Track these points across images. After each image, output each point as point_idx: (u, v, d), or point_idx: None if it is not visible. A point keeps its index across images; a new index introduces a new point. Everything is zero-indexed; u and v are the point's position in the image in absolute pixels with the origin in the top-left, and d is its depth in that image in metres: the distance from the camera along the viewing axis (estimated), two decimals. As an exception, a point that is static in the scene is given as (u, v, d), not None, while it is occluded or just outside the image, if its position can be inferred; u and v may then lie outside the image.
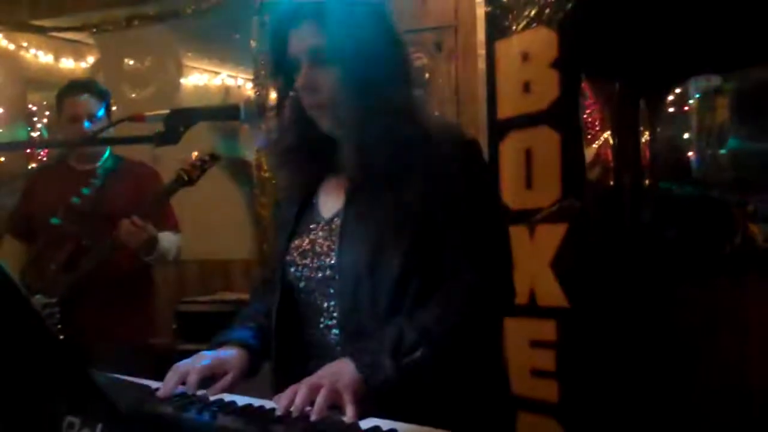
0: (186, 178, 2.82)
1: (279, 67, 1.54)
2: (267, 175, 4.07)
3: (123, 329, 2.94)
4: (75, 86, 3.04)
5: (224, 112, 1.54)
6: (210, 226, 4.48)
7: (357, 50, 1.43)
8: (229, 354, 1.52)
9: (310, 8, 1.46)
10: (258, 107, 1.49)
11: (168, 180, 2.92)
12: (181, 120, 1.43)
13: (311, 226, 1.56)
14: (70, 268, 2.90)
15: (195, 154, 2.89)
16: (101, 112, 2.98)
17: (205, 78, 5.86)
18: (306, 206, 1.60)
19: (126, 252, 2.89)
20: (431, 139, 1.45)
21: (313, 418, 1.20)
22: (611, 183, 3.01)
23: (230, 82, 5.89)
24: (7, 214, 3.30)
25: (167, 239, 3.02)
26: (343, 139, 1.51)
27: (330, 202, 1.56)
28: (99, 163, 3.06)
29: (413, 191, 1.42)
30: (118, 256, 2.90)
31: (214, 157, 2.87)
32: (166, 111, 1.44)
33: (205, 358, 1.48)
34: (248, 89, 5.44)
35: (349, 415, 1.21)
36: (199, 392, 1.41)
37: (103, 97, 3.01)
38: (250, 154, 4.49)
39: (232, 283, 4.78)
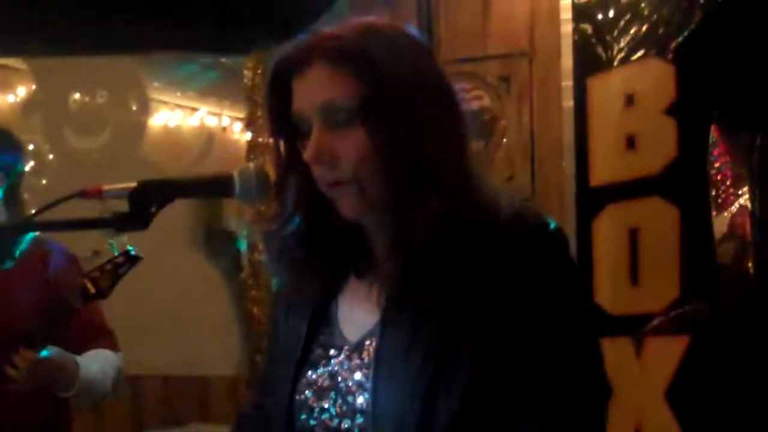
0: (93, 291, 2.75)
1: (281, 127, 1.54)
2: (262, 257, 4.01)
3: None
4: None
5: (211, 186, 1.54)
6: (181, 327, 4.47)
7: (393, 102, 1.43)
8: None
9: (321, 44, 1.46)
10: (259, 177, 1.47)
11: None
12: (153, 196, 1.43)
13: (331, 352, 1.54)
14: None
15: (95, 251, 2.83)
16: None
17: (179, 116, 5.90)
18: (320, 319, 1.58)
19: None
20: (497, 226, 1.44)
21: None
22: (750, 266, 2.95)
23: (212, 121, 5.92)
24: None
25: (94, 367, 2.87)
26: (375, 229, 1.51)
27: (357, 317, 1.54)
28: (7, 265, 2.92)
29: (472, 303, 1.41)
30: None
31: (131, 258, 2.76)
32: (132, 184, 1.44)
33: None
34: (237, 132, 5.49)
35: None
36: None
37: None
38: (237, 225, 4.51)
39: (210, 409, 4.74)
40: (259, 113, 4.29)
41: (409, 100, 1.44)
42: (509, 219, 1.45)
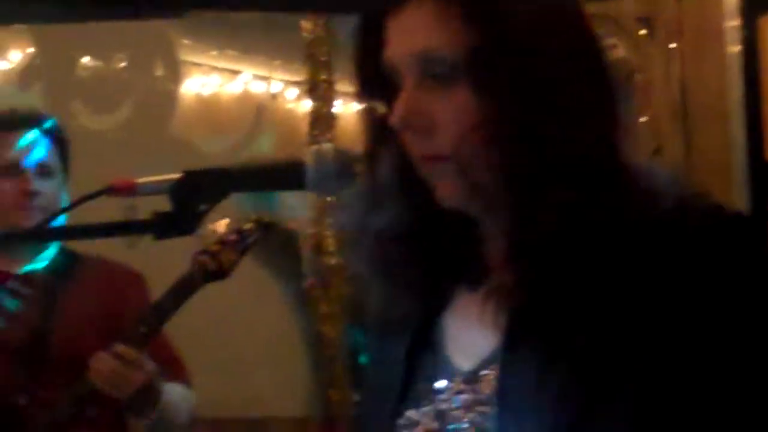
0: (214, 267, 2.86)
1: (372, 85, 1.56)
2: (335, 261, 4.10)
3: None
4: None
5: (277, 177, 1.54)
6: (228, 354, 4.53)
7: (514, 56, 1.41)
8: None
9: None
10: (339, 162, 1.48)
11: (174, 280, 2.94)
12: (203, 191, 1.45)
13: (437, 385, 1.54)
14: None
15: (224, 222, 2.90)
16: (46, 156, 3.08)
17: (216, 80, 5.92)
18: (422, 343, 1.59)
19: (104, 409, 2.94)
20: (662, 223, 1.41)
21: None
22: None
23: (259, 87, 5.92)
24: None
25: (176, 392, 3.07)
26: (488, 225, 1.50)
27: (470, 340, 1.54)
28: (38, 264, 3.13)
29: (633, 324, 1.39)
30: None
31: (263, 226, 2.92)
32: (174, 176, 1.45)
33: None
34: (290, 100, 5.49)
35: None
36: None
37: (52, 134, 3.12)
38: (300, 219, 4.53)
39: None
40: (323, 76, 4.27)
41: (536, 55, 1.42)
42: (674, 211, 1.43)
